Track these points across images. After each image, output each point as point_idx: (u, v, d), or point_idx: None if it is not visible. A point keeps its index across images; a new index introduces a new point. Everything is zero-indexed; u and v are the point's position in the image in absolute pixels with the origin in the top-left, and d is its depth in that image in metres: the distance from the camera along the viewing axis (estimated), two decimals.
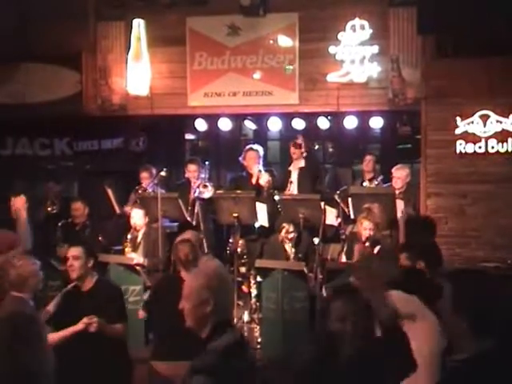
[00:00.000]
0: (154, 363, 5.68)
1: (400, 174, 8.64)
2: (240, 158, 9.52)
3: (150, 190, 9.00)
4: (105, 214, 9.63)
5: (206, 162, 9.20)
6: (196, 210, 8.83)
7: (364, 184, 9.16)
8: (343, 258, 8.01)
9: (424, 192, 8.25)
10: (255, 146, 9.52)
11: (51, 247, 8.66)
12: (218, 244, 9.41)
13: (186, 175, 9.37)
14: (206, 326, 3.24)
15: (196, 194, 8.96)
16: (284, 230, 8.28)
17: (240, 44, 9.07)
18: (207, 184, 8.94)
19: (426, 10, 7.90)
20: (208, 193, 8.90)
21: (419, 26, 8.06)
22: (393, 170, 8.82)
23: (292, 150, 9.35)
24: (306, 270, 7.67)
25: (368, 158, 9.60)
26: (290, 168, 9.45)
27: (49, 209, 9.09)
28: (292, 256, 8.27)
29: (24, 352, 4.43)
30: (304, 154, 9.32)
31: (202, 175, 9.10)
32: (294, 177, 9.30)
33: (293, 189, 9.20)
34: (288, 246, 8.29)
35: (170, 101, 9.30)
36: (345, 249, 8.04)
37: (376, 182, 9.03)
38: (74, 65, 9.43)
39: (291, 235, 8.25)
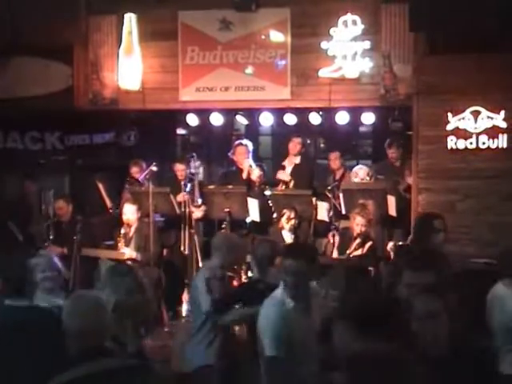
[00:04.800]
0: None
1: (361, 173, 8.78)
2: (230, 154, 9.55)
3: (142, 180, 9.02)
4: (96, 208, 9.62)
5: (194, 154, 9.17)
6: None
7: (355, 180, 9.18)
8: (335, 253, 8.05)
9: (415, 188, 8.27)
10: (244, 141, 9.56)
11: (42, 243, 8.68)
12: (209, 239, 9.42)
13: (176, 173, 9.38)
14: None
15: (188, 190, 8.97)
16: (285, 216, 8.27)
17: (232, 39, 9.04)
18: (199, 203, 8.93)
19: (417, 6, 7.90)
20: (199, 212, 8.91)
21: (411, 22, 8.05)
22: (353, 171, 8.96)
23: (292, 145, 9.39)
24: None
25: (333, 155, 9.66)
26: (285, 163, 9.48)
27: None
28: None
29: None
30: (303, 150, 9.40)
31: (192, 170, 9.10)
32: (288, 173, 9.33)
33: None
34: (287, 235, 8.27)
35: (161, 95, 9.28)
36: (337, 244, 8.07)
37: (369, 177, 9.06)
38: (65, 59, 9.38)
39: (292, 222, 8.25)
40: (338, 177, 9.51)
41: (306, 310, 4.55)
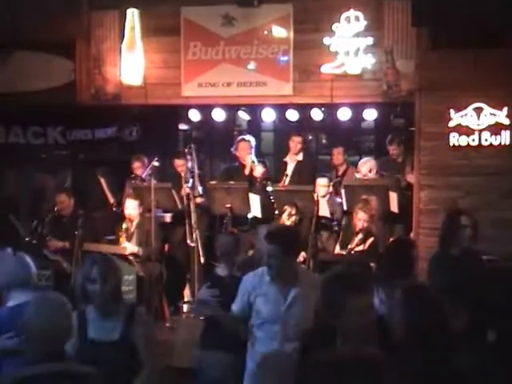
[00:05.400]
0: None
1: (363, 169, 8.79)
2: (232, 149, 9.54)
3: (145, 177, 9.03)
4: (98, 203, 9.63)
5: (192, 146, 9.14)
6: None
7: (358, 176, 9.18)
8: (337, 249, 8.05)
9: (417, 184, 8.26)
10: (247, 137, 9.55)
11: (44, 238, 8.70)
12: (211, 234, 9.43)
13: (176, 169, 9.37)
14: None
15: (190, 185, 8.97)
16: (286, 213, 8.27)
17: (234, 34, 9.04)
18: (201, 193, 8.95)
19: (420, 1, 7.88)
20: (200, 200, 8.93)
21: (413, 17, 8.04)
22: (358, 165, 8.94)
23: (292, 144, 9.39)
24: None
25: (336, 151, 9.65)
26: (287, 159, 9.48)
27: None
28: None
29: None
30: (304, 147, 9.41)
31: (189, 164, 9.08)
32: (290, 170, 9.33)
33: (287, 182, 9.23)
34: None
35: (163, 91, 9.28)
36: (340, 239, 8.07)
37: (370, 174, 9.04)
38: (67, 53, 9.39)
39: (293, 218, 8.25)
40: (340, 172, 9.51)
41: (284, 291, 4.78)
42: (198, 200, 8.91)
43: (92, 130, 10.17)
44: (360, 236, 7.68)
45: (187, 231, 8.78)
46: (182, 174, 9.06)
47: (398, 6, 8.49)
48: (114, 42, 9.33)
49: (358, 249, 7.66)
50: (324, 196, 8.65)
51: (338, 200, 8.74)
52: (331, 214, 8.55)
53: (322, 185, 8.75)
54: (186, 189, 8.89)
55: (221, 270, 5.93)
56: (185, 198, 8.88)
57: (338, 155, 9.60)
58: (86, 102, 9.43)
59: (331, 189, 8.79)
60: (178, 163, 9.25)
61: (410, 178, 8.56)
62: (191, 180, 9.01)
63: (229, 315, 5.02)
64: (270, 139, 12.05)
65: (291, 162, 9.45)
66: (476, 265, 5.72)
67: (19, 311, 3.87)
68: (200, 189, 9.01)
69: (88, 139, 10.21)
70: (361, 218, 7.65)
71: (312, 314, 4.56)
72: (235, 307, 4.95)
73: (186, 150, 9.15)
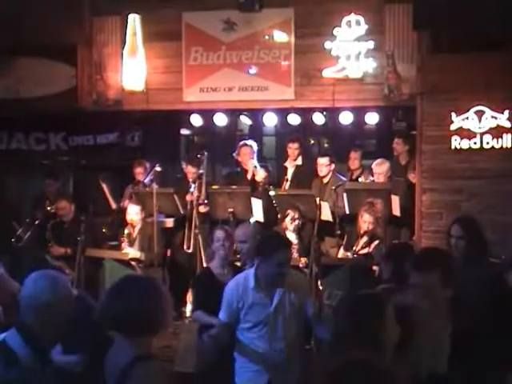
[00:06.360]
0: None
1: (381, 170, 8.71)
2: (234, 154, 9.54)
3: (147, 182, 9.02)
4: (100, 209, 9.62)
5: (205, 153, 9.11)
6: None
7: (360, 180, 9.16)
8: (341, 252, 8.02)
9: (419, 188, 8.26)
10: (249, 142, 9.55)
11: (47, 244, 8.70)
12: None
13: (185, 173, 9.35)
14: None
15: (192, 190, 8.95)
16: (289, 217, 8.25)
17: (236, 39, 9.06)
18: (206, 201, 8.93)
19: (421, 5, 7.90)
20: (204, 209, 8.90)
21: (415, 21, 8.06)
22: (373, 166, 8.87)
23: (290, 151, 9.37)
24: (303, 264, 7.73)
25: (353, 155, 9.57)
26: (286, 164, 9.47)
27: (48, 208, 9.02)
28: (295, 248, 8.19)
29: None
30: (302, 151, 9.39)
31: (201, 171, 9.06)
32: (290, 174, 9.33)
33: (287, 186, 9.23)
34: (291, 235, 8.24)
35: (165, 96, 9.29)
36: (344, 242, 8.05)
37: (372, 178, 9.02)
38: (69, 59, 9.41)
39: (296, 222, 8.23)
40: (355, 176, 9.44)
41: (269, 294, 4.81)
42: (203, 209, 8.88)
43: (94, 136, 10.18)
44: (365, 239, 7.64)
45: (185, 237, 8.77)
46: (191, 180, 9.06)
47: (398, 9, 8.50)
48: (116, 47, 9.35)
49: (362, 251, 7.63)
50: (325, 176, 8.74)
51: (343, 178, 8.74)
52: (332, 210, 8.49)
53: (323, 164, 8.75)
54: (190, 195, 8.88)
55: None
56: (189, 204, 8.87)
57: (355, 160, 9.51)
58: (87, 107, 9.44)
59: (333, 166, 8.82)
60: (191, 170, 9.19)
61: (413, 177, 8.52)
62: (193, 185, 8.99)
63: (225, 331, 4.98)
64: (272, 144, 12.06)
65: (291, 166, 9.44)
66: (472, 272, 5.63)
67: None
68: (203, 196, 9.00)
69: (90, 145, 10.22)
70: (366, 221, 7.61)
71: (298, 310, 4.79)
72: (222, 315, 4.95)
73: (199, 157, 9.11)
